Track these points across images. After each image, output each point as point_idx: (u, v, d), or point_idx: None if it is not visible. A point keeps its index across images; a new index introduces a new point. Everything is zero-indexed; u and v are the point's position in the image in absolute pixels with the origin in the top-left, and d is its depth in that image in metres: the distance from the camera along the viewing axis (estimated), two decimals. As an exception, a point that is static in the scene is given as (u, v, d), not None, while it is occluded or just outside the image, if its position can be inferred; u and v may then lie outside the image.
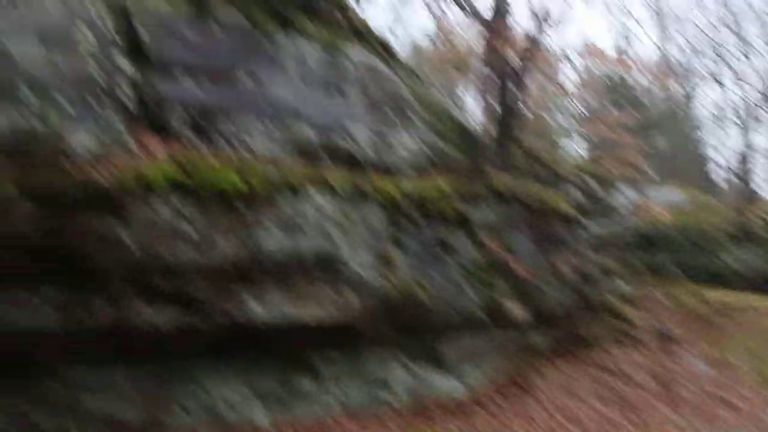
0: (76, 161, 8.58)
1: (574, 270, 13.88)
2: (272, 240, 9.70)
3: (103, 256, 8.51)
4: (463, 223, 12.37)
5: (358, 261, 10.59)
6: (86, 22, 9.20)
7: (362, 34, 14.12)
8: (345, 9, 14.39)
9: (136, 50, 9.98)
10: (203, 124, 10.21)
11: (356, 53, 12.90)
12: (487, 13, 15.51)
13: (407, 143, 12.78)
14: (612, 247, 17.16)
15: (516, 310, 12.65)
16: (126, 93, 9.59)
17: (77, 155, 8.62)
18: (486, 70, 15.52)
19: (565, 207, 14.48)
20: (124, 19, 9.97)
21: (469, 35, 18.54)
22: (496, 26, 14.93)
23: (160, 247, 8.79)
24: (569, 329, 13.90)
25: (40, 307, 8.39)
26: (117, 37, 9.70)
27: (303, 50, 12.02)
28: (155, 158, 9.27)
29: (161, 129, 9.87)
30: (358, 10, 15.26)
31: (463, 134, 14.76)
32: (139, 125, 9.64)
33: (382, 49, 14.65)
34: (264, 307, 9.64)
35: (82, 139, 8.73)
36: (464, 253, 12.17)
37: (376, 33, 15.59)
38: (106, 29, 9.51)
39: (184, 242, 8.95)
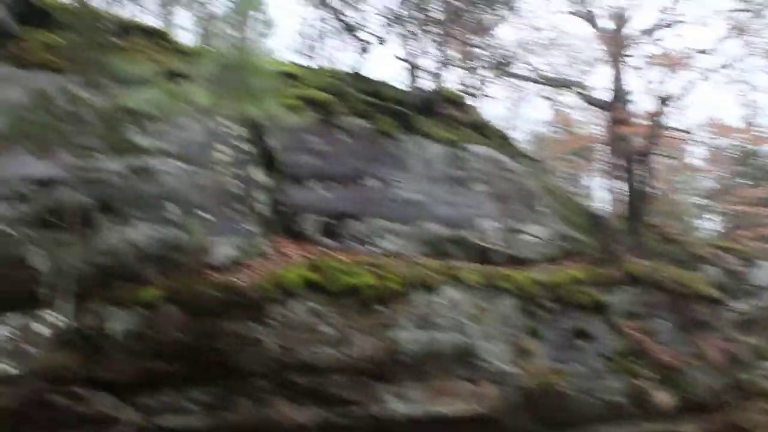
0: (218, 268, 9.15)
1: (721, 353, 13.22)
2: (408, 336, 9.81)
3: (245, 357, 8.88)
4: (599, 309, 12.13)
5: (495, 353, 10.52)
6: (223, 139, 9.87)
7: (482, 129, 14.43)
8: (463, 106, 14.77)
9: (269, 162, 10.67)
10: (335, 227, 10.69)
11: (478, 148, 13.17)
12: (606, 98, 15.50)
13: (537, 233, 12.80)
14: (760, 326, 16.26)
15: (662, 397, 12.12)
16: (261, 202, 10.20)
17: (219, 263, 9.21)
18: (610, 154, 15.41)
19: (705, 287, 13.93)
20: (257, 133, 10.65)
21: (589, 121, 18.56)
22: (616, 110, 14.88)
23: (299, 347, 9.06)
24: (722, 415, 13.15)
25: (187, 408, 8.77)
26: (251, 151, 10.38)
27: (426, 149, 12.40)
28: (291, 262, 9.70)
29: (296, 234, 10.43)
30: (476, 106, 15.60)
31: (592, 220, 14.63)
32: (274, 232, 10.23)
33: (503, 141, 14.88)
34: (403, 402, 9.69)
35: (222, 248, 9.35)
36: (603, 340, 11.86)
37: (496, 127, 15.87)
38: (241, 144, 10.18)
39: (322, 341, 9.19)
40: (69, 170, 8.68)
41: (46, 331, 8.27)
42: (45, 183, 8.68)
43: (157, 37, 12.26)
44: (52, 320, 8.29)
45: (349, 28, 14.53)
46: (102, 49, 9.51)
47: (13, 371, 8.16)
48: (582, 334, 11.70)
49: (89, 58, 9.33)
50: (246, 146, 10.40)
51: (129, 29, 11.47)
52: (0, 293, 8.35)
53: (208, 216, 9.21)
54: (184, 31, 14.31)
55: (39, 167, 8.75)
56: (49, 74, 9.76)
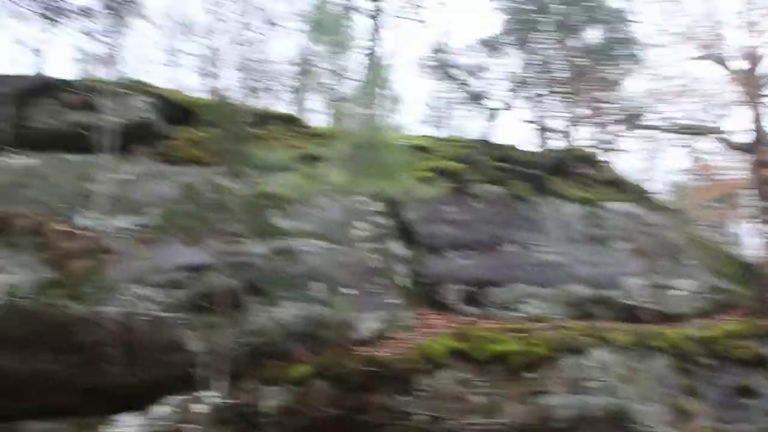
0: (364, 343, 9.36)
1: None
2: (559, 401, 9.56)
3: (395, 429, 8.89)
4: (762, 364, 11.42)
5: (651, 415, 10.07)
6: (361, 216, 10.17)
7: (618, 184, 14.17)
8: (597, 163, 14.59)
9: (407, 234, 10.89)
10: (477, 295, 10.74)
11: (616, 205, 12.95)
12: (747, 140, 14.90)
13: (685, 287, 12.31)
14: None
15: None
16: (402, 275, 10.38)
17: (364, 337, 9.43)
18: (757, 198, 14.74)
19: None
20: (393, 207, 10.92)
21: (730, 166, 17.84)
22: (759, 152, 14.27)
23: (448, 417, 8.99)
24: None
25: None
26: (389, 225, 10.63)
27: (562, 210, 12.32)
28: (435, 332, 9.75)
29: (438, 304, 10.56)
30: (610, 162, 15.38)
31: (744, 269, 13.94)
32: (417, 303, 10.36)
33: (641, 195, 14.54)
34: (557, 469, 9.41)
35: (367, 322, 9.57)
36: (769, 397, 11.17)
37: (633, 181, 15.55)
38: (378, 219, 10.46)
39: (472, 410, 9.09)
40: (217, 256, 9.16)
41: (204, 410, 8.65)
42: (196, 269, 9.18)
43: (291, 123, 12.91)
44: (208, 399, 8.66)
45: (475, 97, 14.76)
46: (242, 140, 10.10)
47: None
48: (746, 391, 11.03)
49: (231, 149, 9.92)
50: (383, 220, 10.69)
51: (265, 118, 12.13)
52: (160, 376, 8.86)
53: (351, 292, 9.46)
54: (317, 114, 14.97)
55: (190, 255, 9.31)
56: (196, 168, 10.51)
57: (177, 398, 8.79)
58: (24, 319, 8.70)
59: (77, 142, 10.46)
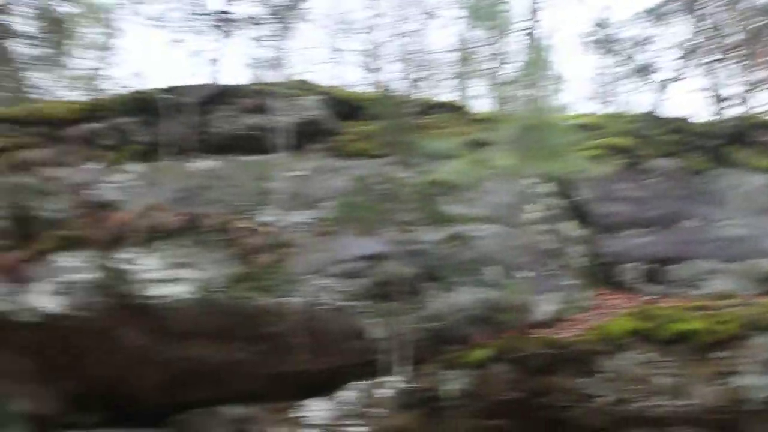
0: (542, 325, 9.31)
1: None
2: (753, 382, 9.07)
3: (577, 411, 8.79)
4: None
5: None
6: (531, 198, 10.10)
7: (807, 150, 13.26)
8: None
9: (580, 214, 10.71)
10: (657, 273, 10.42)
11: (804, 172, 12.10)
12: None
13: None
14: None
15: None
16: (578, 255, 10.24)
17: (542, 319, 9.39)
18: None
19: None
20: (564, 187, 10.78)
21: None
22: None
23: (632, 399, 8.77)
24: None
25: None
26: (561, 205, 10.50)
27: (743, 181, 11.70)
28: (615, 313, 9.53)
29: (616, 284, 10.34)
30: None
31: None
32: (594, 284, 10.19)
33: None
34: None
35: (543, 304, 9.51)
36: None
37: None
38: (549, 200, 10.35)
39: (657, 392, 8.81)
40: (392, 245, 9.37)
41: (387, 394, 8.93)
42: (372, 258, 9.44)
43: (455, 110, 12.95)
44: (391, 384, 8.92)
45: (642, 70, 14.25)
46: (408, 131, 10.28)
47: (364, 430, 8.95)
48: None
49: (398, 140, 10.13)
50: (554, 201, 10.56)
51: (429, 107, 12.26)
52: (343, 362, 9.26)
53: (525, 274, 9.43)
54: (480, 100, 14.96)
55: (365, 245, 9.58)
56: (366, 160, 10.78)
57: (361, 383, 9.13)
58: (216, 311, 9.30)
59: (253, 143, 10.99)
